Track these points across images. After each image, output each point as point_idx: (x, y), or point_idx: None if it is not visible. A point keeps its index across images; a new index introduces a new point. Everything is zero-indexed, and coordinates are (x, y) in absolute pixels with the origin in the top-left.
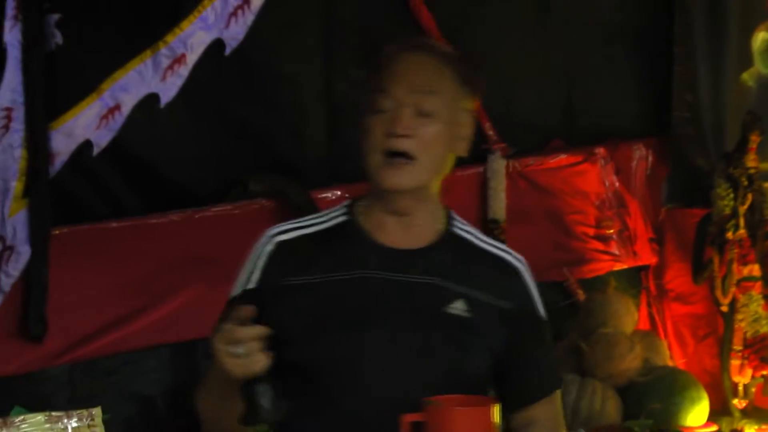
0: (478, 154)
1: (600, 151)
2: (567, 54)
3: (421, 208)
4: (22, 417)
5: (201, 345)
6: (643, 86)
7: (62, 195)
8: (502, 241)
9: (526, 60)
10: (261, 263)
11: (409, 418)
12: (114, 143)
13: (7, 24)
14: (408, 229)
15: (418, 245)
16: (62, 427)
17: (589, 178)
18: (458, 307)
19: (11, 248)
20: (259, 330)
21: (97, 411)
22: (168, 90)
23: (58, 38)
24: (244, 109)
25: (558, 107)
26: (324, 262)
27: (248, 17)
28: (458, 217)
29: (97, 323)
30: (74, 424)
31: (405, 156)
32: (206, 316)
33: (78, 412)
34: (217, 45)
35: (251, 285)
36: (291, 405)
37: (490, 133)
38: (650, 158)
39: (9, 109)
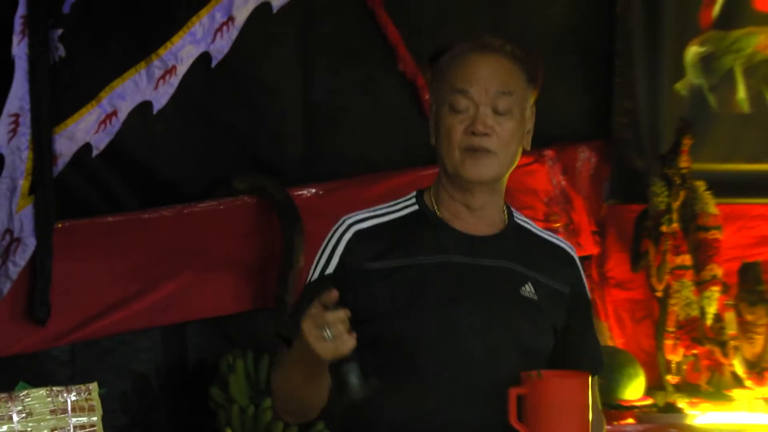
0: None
1: (548, 152)
2: None
3: (493, 200)
4: (26, 392)
5: (189, 327)
6: (587, 95)
7: (65, 192)
8: None
9: None
10: (339, 250)
11: (515, 391)
12: (111, 146)
13: (15, 38)
14: (480, 219)
15: (490, 232)
16: (62, 400)
17: (538, 177)
18: (528, 290)
19: (18, 240)
20: (345, 313)
21: (93, 386)
22: (160, 98)
23: (61, 51)
24: (228, 115)
25: None
26: (405, 248)
27: (233, 32)
28: (514, 209)
29: (96, 308)
30: (73, 398)
31: (485, 151)
32: (194, 302)
33: (76, 387)
34: (205, 57)
35: (329, 270)
36: (379, 382)
37: None
38: (593, 159)
39: (17, 115)
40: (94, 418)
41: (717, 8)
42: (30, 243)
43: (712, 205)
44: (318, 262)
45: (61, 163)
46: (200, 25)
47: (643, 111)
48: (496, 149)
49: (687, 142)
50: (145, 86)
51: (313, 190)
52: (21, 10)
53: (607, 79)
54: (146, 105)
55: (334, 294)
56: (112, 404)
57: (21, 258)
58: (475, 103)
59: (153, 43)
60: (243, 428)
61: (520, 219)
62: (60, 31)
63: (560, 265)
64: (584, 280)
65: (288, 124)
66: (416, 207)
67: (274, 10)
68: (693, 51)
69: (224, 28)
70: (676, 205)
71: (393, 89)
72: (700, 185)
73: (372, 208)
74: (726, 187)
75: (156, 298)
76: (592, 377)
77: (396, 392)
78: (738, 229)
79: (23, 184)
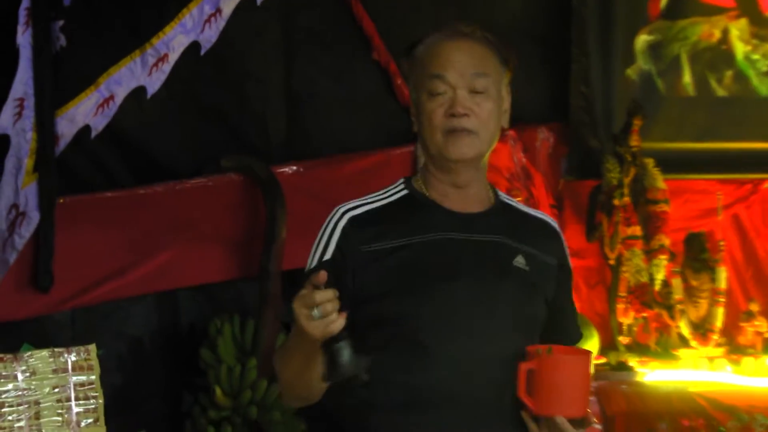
0: (410, 136)
1: (510, 133)
2: None
3: (477, 178)
4: (30, 352)
5: (180, 294)
6: (546, 80)
7: (66, 170)
8: None
9: None
10: (335, 237)
11: (525, 366)
12: (109, 127)
13: (20, 29)
14: (468, 197)
15: (479, 209)
16: (63, 360)
17: (501, 155)
18: (520, 262)
19: (23, 214)
20: (332, 292)
21: (92, 347)
22: (153, 83)
23: (62, 41)
24: (216, 100)
25: None
26: (400, 229)
27: (220, 23)
28: (497, 189)
29: (95, 276)
30: (73, 358)
31: (465, 131)
32: (184, 271)
33: (76, 348)
34: (194, 46)
35: (326, 257)
36: (369, 360)
37: None
38: (551, 139)
39: (21, 99)
40: (93, 377)
41: (664, 0)
42: (34, 217)
43: (660, 181)
44: (316, 251)
45: (63, 143)
46: (190, 16)
47: (597, 95)
48: (476, 129)
49: (637, 123)
50: (140, 73)
51: (294, 168)
52: (25, 3)
53: (564, 66)
54: (141, 90)
55: (322, 275)
56: (109, 364)
57: (26, 230)
58: (452, 87)
59: (147, 33)
60: (230, 386)
61: (504, 197)
62: (61, 22)
63: (547, 239)
64: (567, 252)
65: (271, 108)
66: (406, 191)
67: (259, 3)
68: (643, 39)
69: (212, 19)
70: (627, 180)
71: (367, 77)
72: (649, 162)
73: (363, 197)
74: (673, 164)
75: (150, 267)
76: (579, 340)
77: (400, 367)
78: (684, 203)
79: (28, 162)
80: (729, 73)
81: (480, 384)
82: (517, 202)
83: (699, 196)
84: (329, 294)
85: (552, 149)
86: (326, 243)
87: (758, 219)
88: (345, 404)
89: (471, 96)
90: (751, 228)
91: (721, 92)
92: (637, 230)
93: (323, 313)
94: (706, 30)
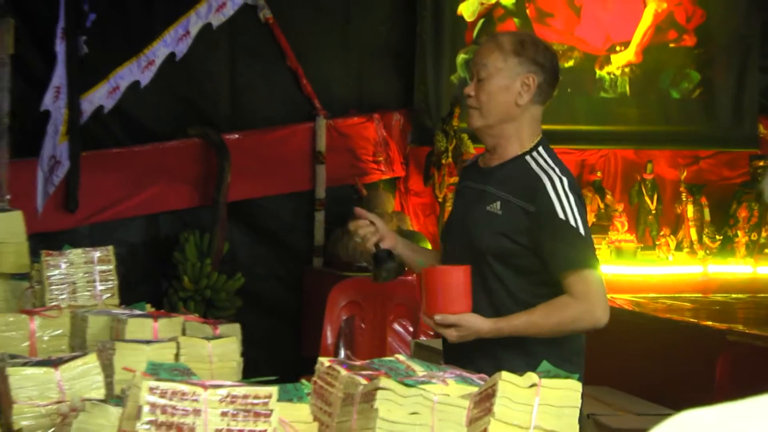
0: (310, 116)
1: (376, 115)
2: (358, 62)
3: (502, 143)
4: (69, 250)
5: (161, 216)
6: (399, 81)
7: (87, 134)
8: (318, 163)
9: (338, 66)
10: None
11: (417, 278)
12: (116, 107)
13: (57, 41)
14: (494, 156)
15: (491, 165)
16: (90, 256)
17: (369, 130)
18: (494, 207)
19: (59, 162)
20: (364, 222)
21: (110, 248)
22: (145, 79)
23: (85, 49)
24: (186, 90)
25: (354, 89)
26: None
27: (189, 40)
28: (542, 148)
29: (105, 203)
30: (98, 255)
31: (471, 108)
32: (164, 201)
33: (100, 248)
34: (172, 55)
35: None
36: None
37: (317, 105)
38: (402, 120)
39: (58, 87)
40: (111, 267)
41: (475, 31)
42: (66, 164)
43: (471, 148)
44: None
45: (85, 116)
46: (169, 35)
47: (432, 91)
48: (477, 106)
49: (457, 111)
50: (136, 71)
51: (237, 136)
52: (60, 23)
53: (411, 71)
54: (137, 83)
55: (357, 210)
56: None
57: (60, 173)
58: (472, 77)
59: (140, 45)
60: (193, 276)
61: (533, 155)
62: (85, 37)
63: (531, 190)
64: (554, 201)
65: (221, 95)
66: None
67: (214, 28)
68: (461, 57)
69: (184, 37)
70: (450, 147)
71: (283, 77)
72: (464, 136)
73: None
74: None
75: (141, 198)
76: (568, 271)
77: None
78: None
79: (62, 128)
80: None
81: None
82: (539, 159)
83: None
84: (360, 223)
85: (402, 127)
86: None
87: None
88: None
89: (477, 82)
90: None
91: None
92: (456, 179)
93: (362, 237)
94: None
